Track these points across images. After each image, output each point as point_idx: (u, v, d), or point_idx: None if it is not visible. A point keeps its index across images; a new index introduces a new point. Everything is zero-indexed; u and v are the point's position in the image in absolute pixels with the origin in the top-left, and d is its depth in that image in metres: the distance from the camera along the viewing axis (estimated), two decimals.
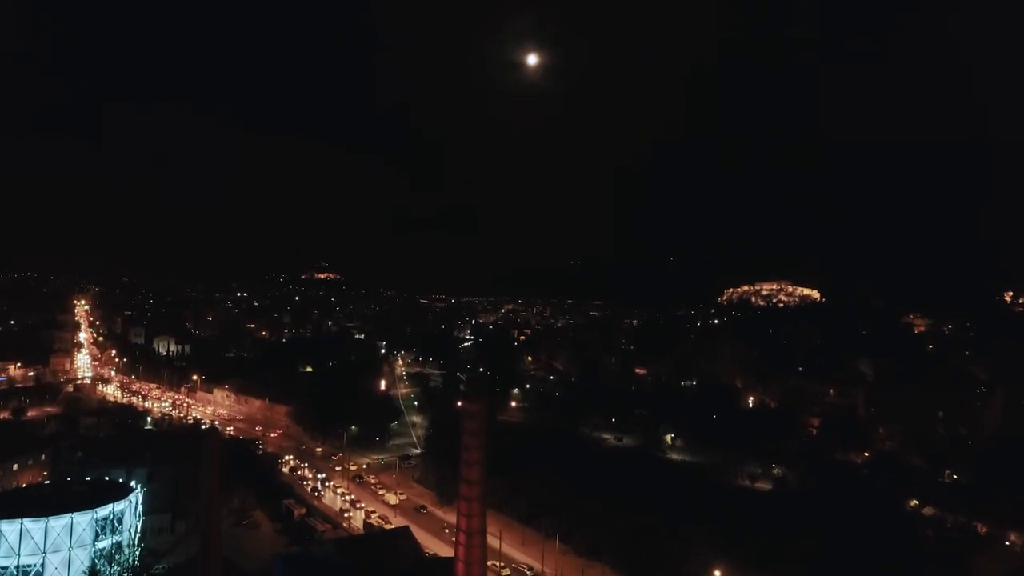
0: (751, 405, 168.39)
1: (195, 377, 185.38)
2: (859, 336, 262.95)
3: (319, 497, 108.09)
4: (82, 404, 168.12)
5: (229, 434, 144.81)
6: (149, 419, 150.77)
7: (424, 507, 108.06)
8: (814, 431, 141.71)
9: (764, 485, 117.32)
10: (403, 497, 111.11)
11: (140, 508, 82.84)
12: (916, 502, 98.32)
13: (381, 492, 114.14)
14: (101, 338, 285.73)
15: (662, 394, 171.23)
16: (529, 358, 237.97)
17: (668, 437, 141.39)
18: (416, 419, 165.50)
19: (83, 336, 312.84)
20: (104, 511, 73.75)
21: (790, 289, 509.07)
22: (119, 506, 76.14)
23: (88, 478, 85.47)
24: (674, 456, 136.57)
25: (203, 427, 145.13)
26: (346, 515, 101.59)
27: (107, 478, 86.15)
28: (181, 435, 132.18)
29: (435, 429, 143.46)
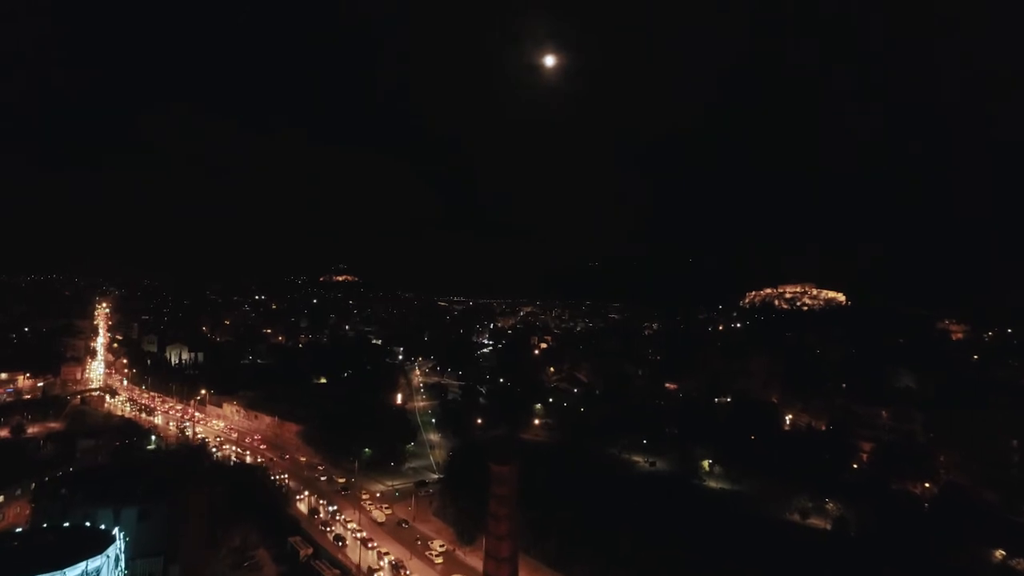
0: (792, 425, 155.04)
1: (203, 391, 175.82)
2: (897, 344, 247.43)
3: (343, 548, 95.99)
4: (87, 419, 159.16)
5: (234, 458, 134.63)
6: (153, 438, 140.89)
7: (406, 521, 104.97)
8: (865, 456, 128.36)
9: (817, 521, 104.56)
10: (389, 512, 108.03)
11: (123, 559, 72.25)
12: (1003, 552, 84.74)
13: (369, 507, 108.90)
14: (116, 345, 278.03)
15: (694, 411, 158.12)
16: (551, 368, 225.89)
17: (705, 463, 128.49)
18: (434, 438, 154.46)
19: (100, 342, 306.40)
20: (75, 571, 63.17)
21: (814, 292, 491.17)
22: (94, 563, 65.32)
23: (67, 524, 75.10)
24: (712, 484, 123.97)
25: (211, 450, 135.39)
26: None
27: (88, 524, 75.67)
28: (184, 457, 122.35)
29: (454, 454, 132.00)
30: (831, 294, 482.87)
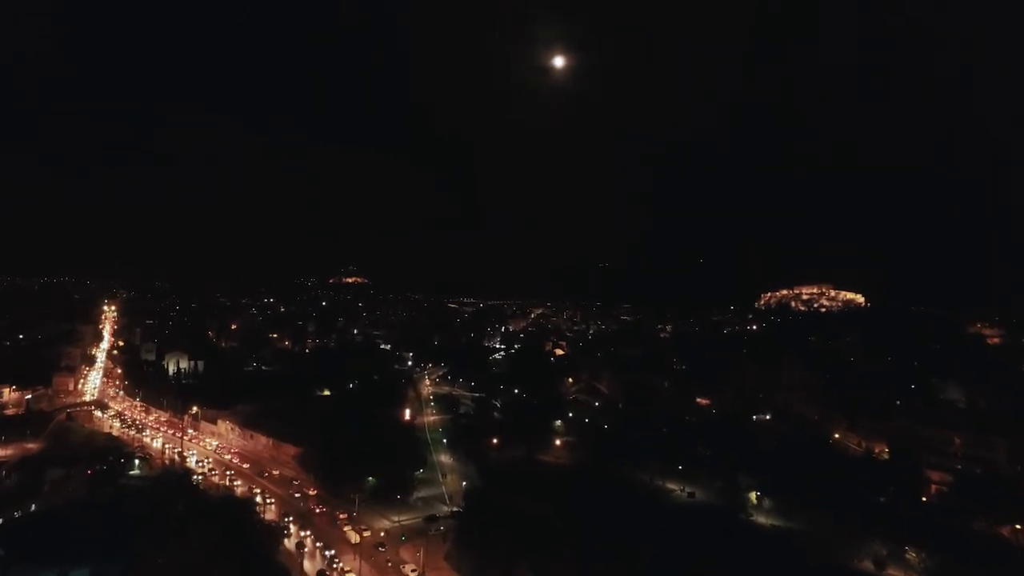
0: (836, 445, 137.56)
1: (195, 408, 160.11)
2: (936, 351, 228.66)
3: None
4: (70, 438, 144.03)
5: (223, 486, 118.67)
6: (137, 462, 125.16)
7: (383, 545, 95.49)
8: (934, 487, 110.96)
9: (895, 573, 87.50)
10: (367, 534, 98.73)
11: None
12: None
13: (346, 529, 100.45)
14: (116, 351, 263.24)
15: (731, 431, 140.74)
16: (569, 379, 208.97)
17: (752, 494, 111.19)
18: (445, 460, 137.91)
19: (104, 347, 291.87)
20: None
21: (832, 293, 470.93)
22: None
23: None
24: (762, 519, 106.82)
25: (197, 478, 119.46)
26: None
27: None
28: (165, 488, 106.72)
29: (469, 494, 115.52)
30: (849, 295, 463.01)
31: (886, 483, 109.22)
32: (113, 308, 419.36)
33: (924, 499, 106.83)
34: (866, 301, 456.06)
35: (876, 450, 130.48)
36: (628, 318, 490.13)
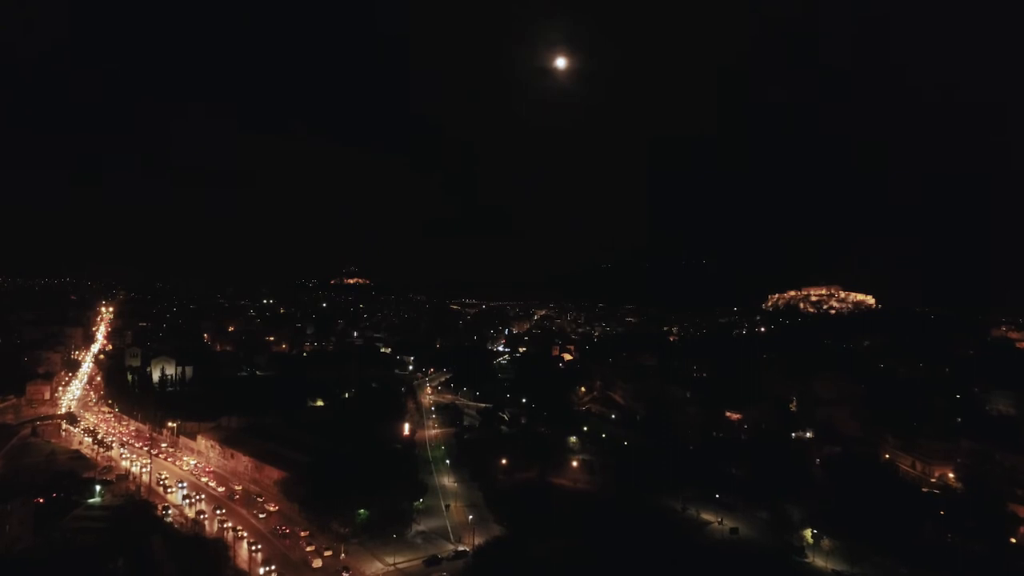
0: (895, 471, 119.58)
1: (173, 423, 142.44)
2: (967, 357, 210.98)
3: None
4: (30, 457, 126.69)
5: (192, 520, 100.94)
6: (98, 488, 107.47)
7: (347, 568, 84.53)
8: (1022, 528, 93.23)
9: None
10: (328, 555, 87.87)
11: None
12: None
13: (308, 548, 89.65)
14: (102, 356, 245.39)
15: (769, 450, 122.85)
16: (581, 388, 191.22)
17: (808, 532, 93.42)
18: (448, 483, 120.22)
19: (93, 352, 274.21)
20: None
21: (842, 294, 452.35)
22: None
23: None
24: (820, 563, 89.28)
25: (162, 511, 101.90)
26: None
27: None
28: (123, 524, 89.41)
29: (476, 516, 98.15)
30: (859, 296, 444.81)
31: (963, 518, 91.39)
32: (110, 309, 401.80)
33: (1013, 540, 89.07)
34: (876, 302, 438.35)
35: (937, 474, 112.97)
36: (632, 319, 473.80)
